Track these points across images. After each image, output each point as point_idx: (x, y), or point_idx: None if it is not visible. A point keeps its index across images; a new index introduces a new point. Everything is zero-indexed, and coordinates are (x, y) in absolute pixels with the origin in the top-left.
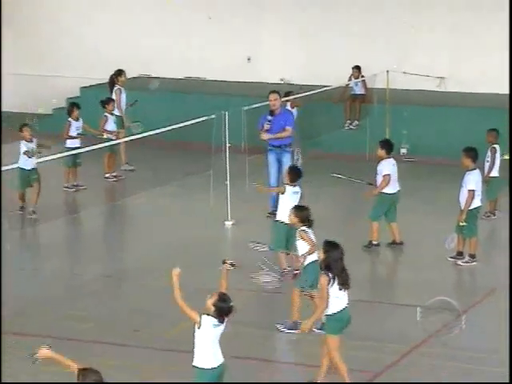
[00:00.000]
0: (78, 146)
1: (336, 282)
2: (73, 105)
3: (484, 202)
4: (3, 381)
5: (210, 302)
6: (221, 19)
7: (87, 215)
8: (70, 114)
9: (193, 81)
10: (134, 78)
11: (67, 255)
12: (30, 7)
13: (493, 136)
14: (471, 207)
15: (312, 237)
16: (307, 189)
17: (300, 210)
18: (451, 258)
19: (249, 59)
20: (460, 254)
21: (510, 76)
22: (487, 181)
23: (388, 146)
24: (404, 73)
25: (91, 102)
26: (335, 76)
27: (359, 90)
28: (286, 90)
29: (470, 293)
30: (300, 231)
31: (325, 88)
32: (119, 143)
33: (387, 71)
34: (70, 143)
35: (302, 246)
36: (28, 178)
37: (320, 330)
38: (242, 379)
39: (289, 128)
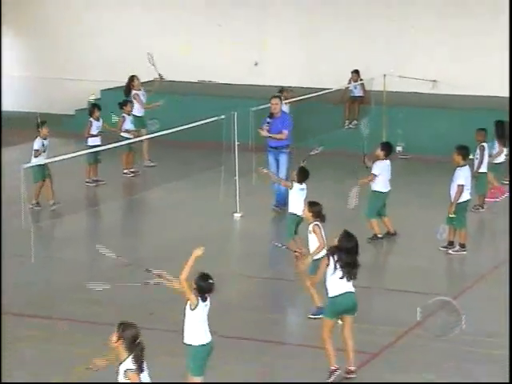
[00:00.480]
0: (99, 144)
1: (338, 270)
2: (94, 106)
3: (473, 195)
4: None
5: (192, 283)
6: (230, 27)
7: (107, 208)
8: (91, 114)
9: (204, 84)
10: (150, 81)
11: (88, 245)
12: (53, 16)
13: (481, 135)
14: (461, 200)
15: (323, 233)
16: (309, 183)
17: (313, 205)
18: (443, 247)
19: (256, 64)
20: (451, 244)
21: (510, 76)
22: (476, 176)
23: (387, 149)
24: (400, 76)
25: (111, 103)
26: (335, 79)
27: (358, 93)
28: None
29: (460, 279)
30: (314, 225)
31: (326, 90)
32: (137, 142)
33: (384, 75)
34: (91, 141)
35: (312, 241)
36: (42, 171)
37: (315, 315)
38: (250, 359)
39: (285, 131)
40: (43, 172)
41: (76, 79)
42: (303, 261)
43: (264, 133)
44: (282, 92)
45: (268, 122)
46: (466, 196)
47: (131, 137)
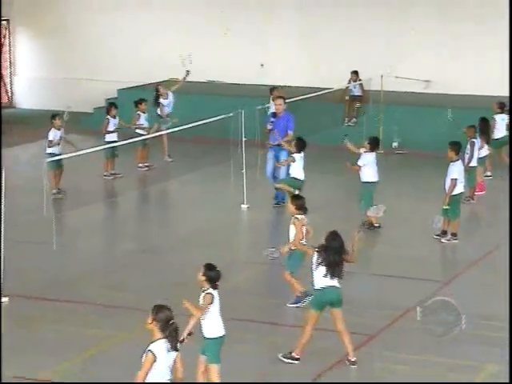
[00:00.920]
0: (115, 140)
1: (321, 267)
2: (111, 104)
3: (466, 188)
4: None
5: (199, 276)
6: (238, 32)
7: (123, 199)
8: (108, 112)
9: (213, 84)
10: (163, 81)
11: (107, 233)
12: (71, 20)
13: (471, 131)
14: (455, 193)
15: (304, 224)
16: (312, 175)
17: (297, 198)
18: (436, 236)
19: (262, 65)
20: (444, 233)
21: (510, 77)
22: (467, 170)
23: (373, 143)
24: (396, 77)
25: (127, 102)
26: (336, 79)
27: (357, 92)
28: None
29: (452, 266)
30: (294, 218)
31: (327, 90)
32: (151, 138)
33: (381, 75)
34: (108, 137)
35: (292, 232)
36: (57, 161)
37: (293, 304)
38: (256, 340)
39: (290, 133)
40: (58, 162)
41: (93, 79)
42: (283, 248)
43: (278, 142)
44: (272, 91)
45: (272, 121)
46: (459, 189)
47: (145, 133)
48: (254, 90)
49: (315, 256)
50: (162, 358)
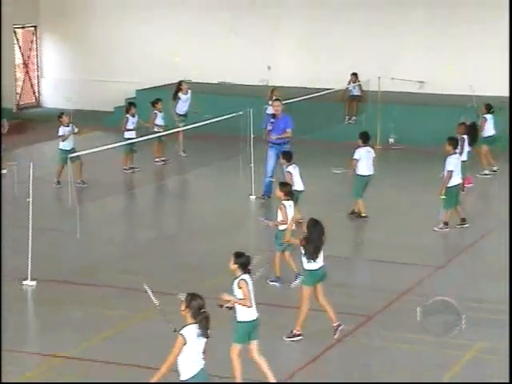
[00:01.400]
0: (134, 137)
1: (310, 253)
2: (130, 104)
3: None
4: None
5: (231, 265)
6: (247, 36)
7: (141, 191)
8: (127, 111)
9: (224, 85)
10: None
11: (125, 223)
12: (95, 28)
13: (461, 128)
14: (452, 184)
15: (289, 210)
16: (314, 169)
17: (284, 185)
18: (439, 228)
19: (269, 67)
20: (461, 220)
21: (510, 78)
22: None
23: (364, 137)
24: (392, 78)
25: (144, 101)
26: (337, 81)
27: (356, 92)
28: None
29: (444, 252)
30: (280, 205)
31: (328, 90)
32: (167, 134)
33: (379, 77)
34: (127, 135)
35: (279, 216)
36: (66, 156)
37: (272, 282)
38: (265, 321)
39: (289, 130)
40: (67, 157)
41: (113, 81)
42: (272, 223)
43: (273, 137)
44: (273, 92)
45: (272, 122)
46: (456, 180)
47: (161, 131)
48: (261, 91)
49: (303, 247)
50: (192, 341)
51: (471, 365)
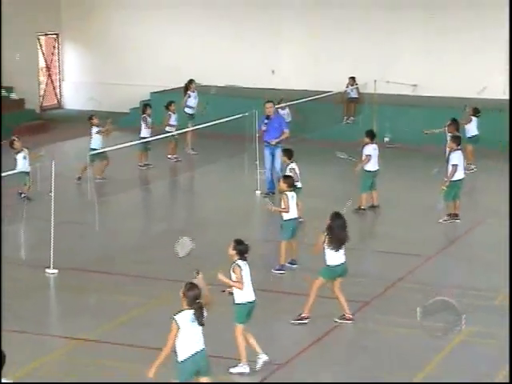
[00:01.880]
0: (149, 135)
1: (332, 245)
2: (145, 105)
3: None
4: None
5: (230, 250)
6: (252, 43)
7: (155, 186)
8: (143, 112)
9: (231, 87)
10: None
11: (140, 216)
12: (113, 35)
13: (452, 128)
14: (455, 179)
15: (290, 201)
16: (314, 167)
17: (287, 178)
18: (449, 220)
19: (273, 71)
20: (456, 215)
21: (510, 78)
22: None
23: (371, 135)
24: (387, 82)
25: (159, 103)
26: (336, 84)
27: (354, 95)
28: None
29: (437, 242)
30: (283, 195)
31: (328, 93)
32: (182, 133)
33: (375, 80)
34: (142, 133)
35: (281, 205)
36: (96, 155)
37: (277, 271)
38: (268, 307)
39: (286, 131)
40: (100, 154)
41: (130, 84)
42: (276, 209)
43: (273, 142)
44: (282, 99)
45: (266, 123)
46: (459, 175)
47: (173, 130)
48: (266, 93)
49: (326, 237)
50: (185, 326)
51: (461, 347)
